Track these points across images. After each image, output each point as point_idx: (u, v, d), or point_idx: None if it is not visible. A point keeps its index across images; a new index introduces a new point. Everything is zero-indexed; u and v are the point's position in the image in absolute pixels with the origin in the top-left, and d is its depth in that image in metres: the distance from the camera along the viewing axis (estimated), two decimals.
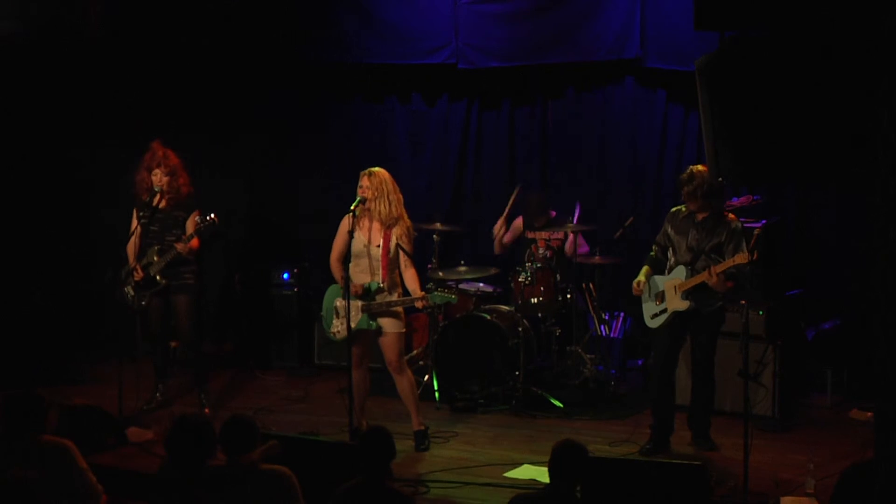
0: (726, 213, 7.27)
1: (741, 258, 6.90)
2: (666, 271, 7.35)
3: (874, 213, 7.49)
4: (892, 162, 7.24)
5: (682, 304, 7.18)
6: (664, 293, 7.28)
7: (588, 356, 8.85)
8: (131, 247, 8.17)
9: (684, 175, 7.15)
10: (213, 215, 7.91)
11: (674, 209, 7.37)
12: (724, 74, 6.59)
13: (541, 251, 8.83)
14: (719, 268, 6.98)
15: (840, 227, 8.81)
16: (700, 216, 7.16)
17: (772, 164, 7.04)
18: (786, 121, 6.64)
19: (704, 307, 7.20)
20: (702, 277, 7.04)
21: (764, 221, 8.18)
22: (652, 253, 7.49)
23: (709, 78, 6.67)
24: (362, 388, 7.41)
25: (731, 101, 6.63)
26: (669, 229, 7.32)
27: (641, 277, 7.38)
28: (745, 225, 8.17)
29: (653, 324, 7.37)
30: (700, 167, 7.14)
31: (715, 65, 6.61)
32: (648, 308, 7.39)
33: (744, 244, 7.04)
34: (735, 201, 8.54)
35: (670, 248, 7.34)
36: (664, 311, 7.27)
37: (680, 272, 7.20)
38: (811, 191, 8.91)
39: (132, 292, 8.09)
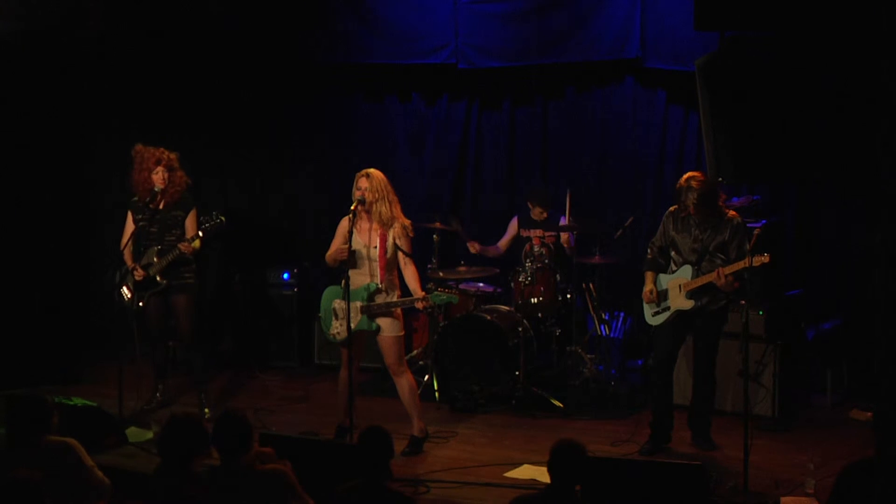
0: (726, 210, 7.27)
1: (756, 260, 6.86)
2: (669, 270, 7.35)
3: (874, 213, 7.49)
4: (892, 162, 7.24)
5: (687, 304, 7.19)
6: (667, 291, 7.28)
7: (588, 356, 8.86)
8: (127, 248, 8.15)
9: (681, 185, 7.12)
10: (221, 216, 7.89)
11: (672, 208, 7.36)
12: (724, 74, 6.58)
13: (536, 248, 8.82)
14: (728, 269, 6.97)
15: (840, 227, 8.81)
16: (700, 217, 7.16)
17: (772, 164, 7.04)
18: (785, 120, 6.64)
19: (709, 306, 7.20)
20: (709, 278, 7.05)
21: (764, 221, 8.18)
22: (649, 256, 7.48)
23: (709, 78, 6.67)
24: (348, 387, 7.36)
25: (731, 101, 6.62)
26: (671, 229, 7.31)
27: (651, 285, 7.36)
28: (746, 225, 8.19)
29: (654, 321, 7.38)
30: (695, 175, 7.10)
31: (715, 65, 6.61)
32: (650, 305, 7.39)
33: (747, 243, 7.05)
34: (735, 201, 8.54)
35: (672, 249, 7.33)
36: (667, 308, 7.28)
37: (686, 271, 7.20)
38: (811, 191, 8.91)
39: (129, 293, 8.08)
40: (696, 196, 7.04)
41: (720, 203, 7.28)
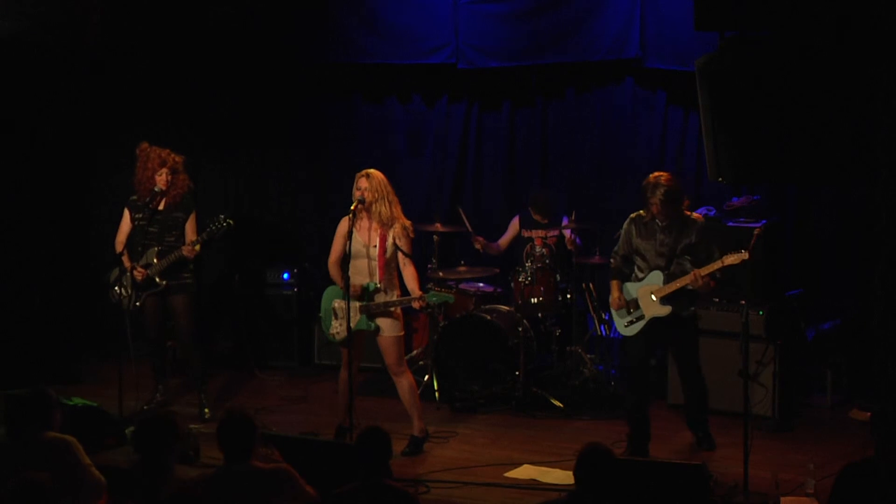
0: (688, 213, 7.20)
1: (735, 258, 6.86)
2: (634, 278, 7.24)
3: (874, 213, 7.49)
4: (892, 162, 7.24)
5: (663, 310, 7.08)
6: (637, 300, 7.16)
7: (588, 356, 8.86)
8: (124, 248, 8.12)
9: (648, 182, 7.04)
10: (229, 220, 7.88)
11: (633, 215, 7.25)
12: (724, 74, 6.58)
13: (538, 249, 8.82)
14: (704, 270, 6.92)
15: (840, 227, 8.81)
16: (664, 220, 7.08)
17: (772, 164, 7.04)
18: (785, 121, 6.63)
19: (682, 311, 7.13)
20: (685, 281, 6.96)
21: (764, 221, 8.18)
22: (612, 265, 7.38)
23: (709, 78, 6.66)
24: (348, 387, 7.35)
25: (731, 101, 6.61)
26: (634, 236, 7.19)
27: (618, 292, 7.25)
28: (746, 225, 8.19)
29: (628, 331, 7.24)
30: (662, 174, 7.05)
31: (715, 65, 6.60)
32: (620, 316, 7.26)
33: (713, 244, 7.03)
34: (735, 201, 8.54)
35: (637, 256, 7.21)
36: (640, 317, 7.15)
37: (656, 277, 7.09)
38: (811, 191, 8.90)
39: (125, 293, 8.07)
40: (662, 192, 6.93)
41: (683, 206, 7.19)
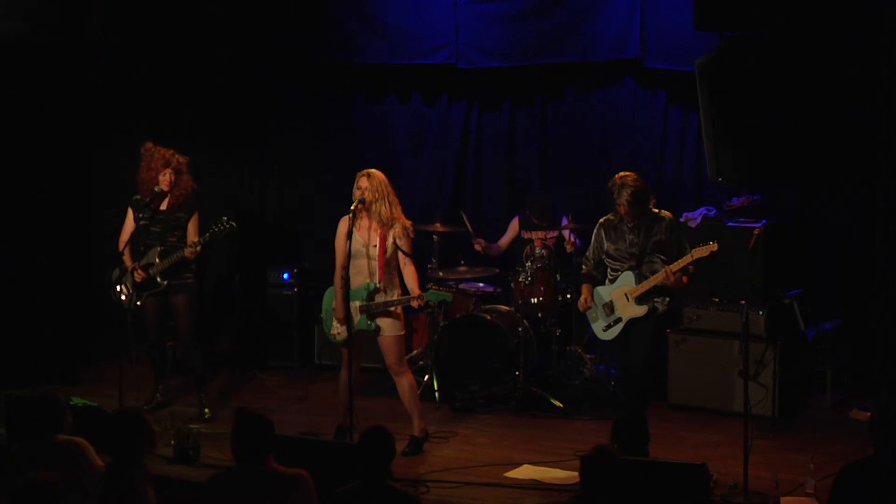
0: (656, 210, 7.14)
1: (703, 251, 6.82)
2: (607, 281, 7.18)
3: (874, 213, 7.49)
4: (892, 162, 7.24)
5: (640, 310, 6.98)
6: (612, 303, 7.07)
7: (588, 356, 8.87)
8: (126, 247, 8.13)
9: (613, 183, 6.98)
10: (231, 222, 7.88)
11: (602, 220, 7.20)
12: (724, 74, 6.58)
13: (537, 250, 8.82)
14: (675, 267, 6.84)
15: (840, 227, 8.81)
16: (632, 220, 7.03)
17: (772, 164, 7.04)
18: (785, 121, 6.63)
19: (659, 307, 7.08)
20: (658, 279, 6.88)
21: (764, 221, 8.17)
22: (583, 271, 7.31)
23: (709, 78, 6.67)
24: (349, 388, 7.34)
25: (731, 101, 6.62)
26: (604, 240, 7.14)
27: (587, 294, 7.18)
28: (746, 225, 8.19)
29: (607, 336, 7.15)
30: (628, 174, 7.00)
31: (715, 65, 6.61)
32: (596, 320, 7.18)
33: (685, 239, 6.97)
34: (735, 201, 8.53)
35: (608, 259, 7.14)
36: (618, 320, 7.05)
37: (628, 278, 7.02)
38: (811, 191, 8.90)
39: (126, 292, 8.07)
40: (629, 193, 6.88)
41: (650, 205, 7.13)
